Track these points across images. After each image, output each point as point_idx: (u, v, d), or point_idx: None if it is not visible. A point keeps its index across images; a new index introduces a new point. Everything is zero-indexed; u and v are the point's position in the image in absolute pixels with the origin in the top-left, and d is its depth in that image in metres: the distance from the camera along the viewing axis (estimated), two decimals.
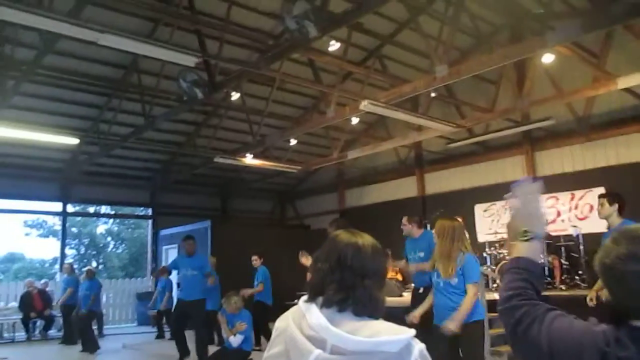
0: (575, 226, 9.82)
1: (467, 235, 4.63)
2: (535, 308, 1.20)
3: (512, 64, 8.91)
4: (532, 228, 1.40)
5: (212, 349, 7.74)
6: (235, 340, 6.70)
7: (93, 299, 10.30)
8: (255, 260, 9.34)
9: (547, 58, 8.90)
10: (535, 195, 1.42)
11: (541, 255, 1.44)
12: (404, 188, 14.62)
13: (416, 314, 4.71)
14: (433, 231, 4.58)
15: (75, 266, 11.59)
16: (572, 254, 9.64)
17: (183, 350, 7.89)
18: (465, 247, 4.34)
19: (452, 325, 4.15)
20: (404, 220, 6.29)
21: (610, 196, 4.92)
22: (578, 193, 10.77)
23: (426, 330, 4.21)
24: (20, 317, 11.64)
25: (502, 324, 1.29)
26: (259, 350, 7.88)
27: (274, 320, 1.69)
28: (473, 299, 4.18)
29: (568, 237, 9.76)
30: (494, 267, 10.07)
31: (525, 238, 1.39)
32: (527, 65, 9.78)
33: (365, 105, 8.27)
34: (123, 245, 31.03)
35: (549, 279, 9.24)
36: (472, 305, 4.18)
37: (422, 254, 5.88)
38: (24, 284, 12.49)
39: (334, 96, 9.93)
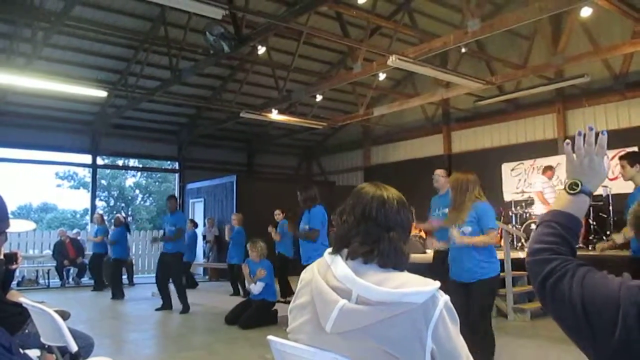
0: (605, 186, 9.62)
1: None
2: (566, 262, 1.13)
3: (547, 18, 8.59)
4: (584, 181, 1.25)
5: (238, 300, 7.95)
6: (255, 288, 6.92)
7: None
8: (278, 215, 9.47)
9: (586, 12, 8.53)
10: (599, 148, 1.25)
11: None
12: (430, 146, 14.48)
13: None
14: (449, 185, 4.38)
15: (105, 217, 11.90)
16: (601, 214, 9.50)
17: (165, 301, 8.47)
18: (479, 195, 4.15)
19: (458, 238, 4.03)
20: (440, 172, 5.75)
21: (630, 158, 4.77)
22: (610, 153, 10.43)
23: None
24: (54, 264, 12.11)
25: (530, 277, 1.23)
26: (285, 302, 8.04)
27: (293, 274, 1.71)
28: (487, 240, 4.05)
29: (597, 197, 9.58)
30: (519, 227, 10.00)
31: (573, 191, 1.26)
32: (563, 19, 9.41)
33: (393, 60, 8.11)
34: (150, 198, 31.65)
35: None
36: (485, 243, 4.05)
37: (445, 210, 5.45)
38: (57, 233, 12.92)
39: (362, 51, 9.75)
